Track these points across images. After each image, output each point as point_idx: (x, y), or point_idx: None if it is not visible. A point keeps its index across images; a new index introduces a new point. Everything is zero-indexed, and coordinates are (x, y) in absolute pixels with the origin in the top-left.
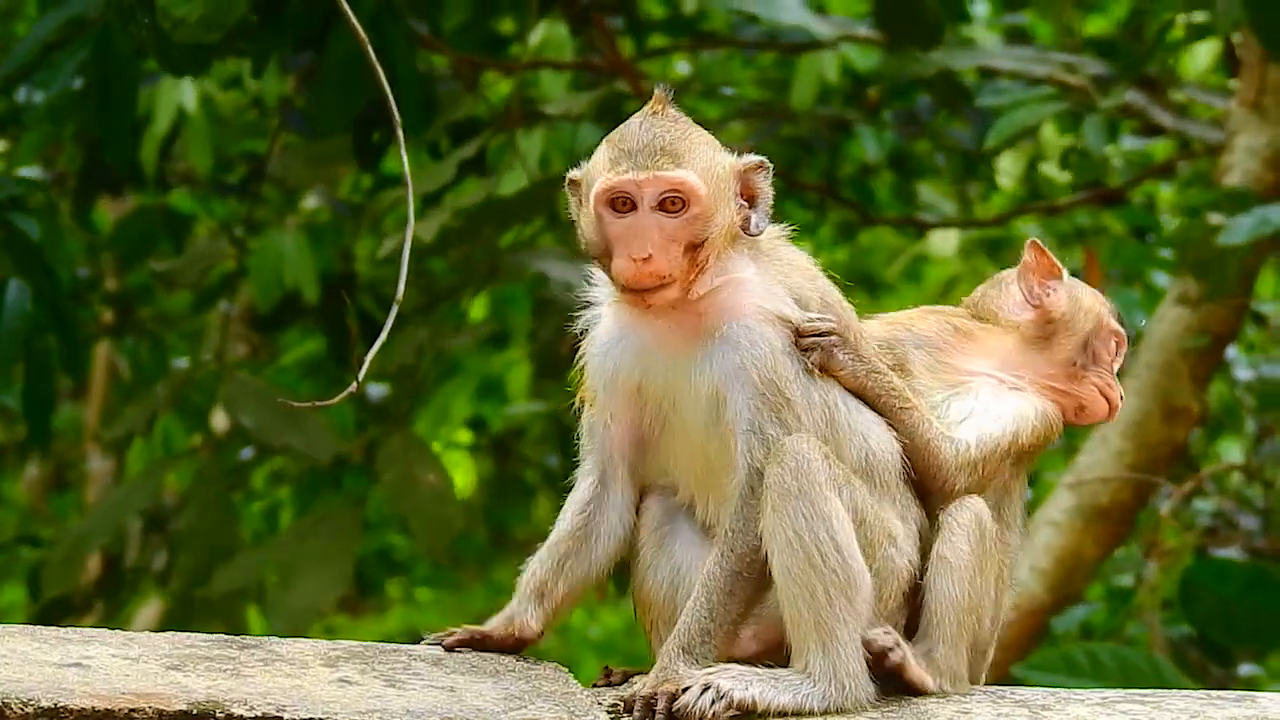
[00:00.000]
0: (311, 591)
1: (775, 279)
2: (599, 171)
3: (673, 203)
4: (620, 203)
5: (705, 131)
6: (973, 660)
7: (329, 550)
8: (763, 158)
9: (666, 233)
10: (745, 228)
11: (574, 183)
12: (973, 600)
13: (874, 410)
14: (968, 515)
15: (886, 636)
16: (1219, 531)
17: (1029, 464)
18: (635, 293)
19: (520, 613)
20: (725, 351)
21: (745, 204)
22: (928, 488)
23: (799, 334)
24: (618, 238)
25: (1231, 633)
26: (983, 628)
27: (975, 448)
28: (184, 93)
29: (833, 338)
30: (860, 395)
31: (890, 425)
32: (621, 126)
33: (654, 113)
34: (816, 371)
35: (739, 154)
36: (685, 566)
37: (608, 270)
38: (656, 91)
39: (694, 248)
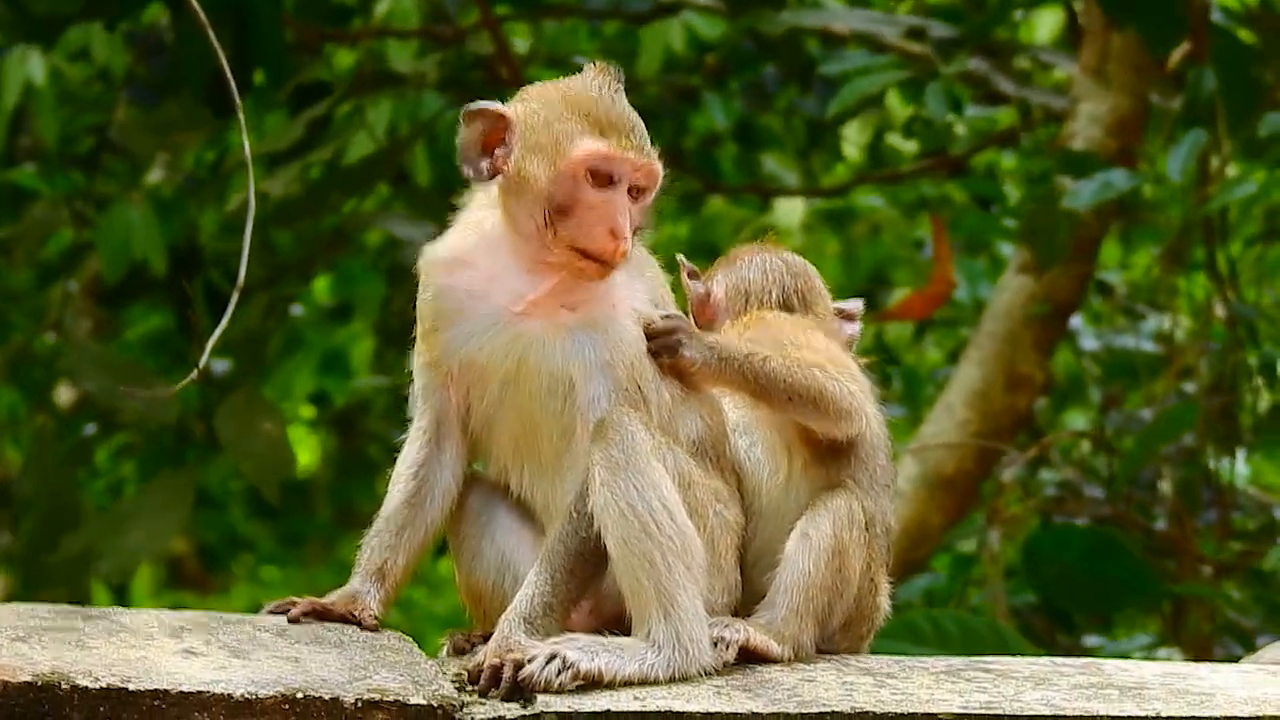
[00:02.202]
0: (141, 538)
1: (636, 275)
2: (581, 132)
3: (640, 188)
4: (601, 174)
5: None
6: (819, 642)
7: (162, 504)
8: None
9: (631, 214)
10: None
11: (482, 114)
12: (826, 579)
13: (741, 388)
14: (840, 502)
15: (725, 629)
16: (1064, 501)
17: None
18: (601, 265)
19: (362, 592)
20: (592, 342)
21: None
22: (817, 431)
23: (647, 335)
24: (592, 208)
25: (1074, 599)
26: (833, 611)
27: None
28: (32, 66)
29: (678, 335)
30: (719, 382)
31: (759, 388)
32: (586, 92)
33: (615, 89)
34: (667, 371)
35: None
36: (510, 552)
37: (551, 227)
38: (607, 68)
39: (635, 234)
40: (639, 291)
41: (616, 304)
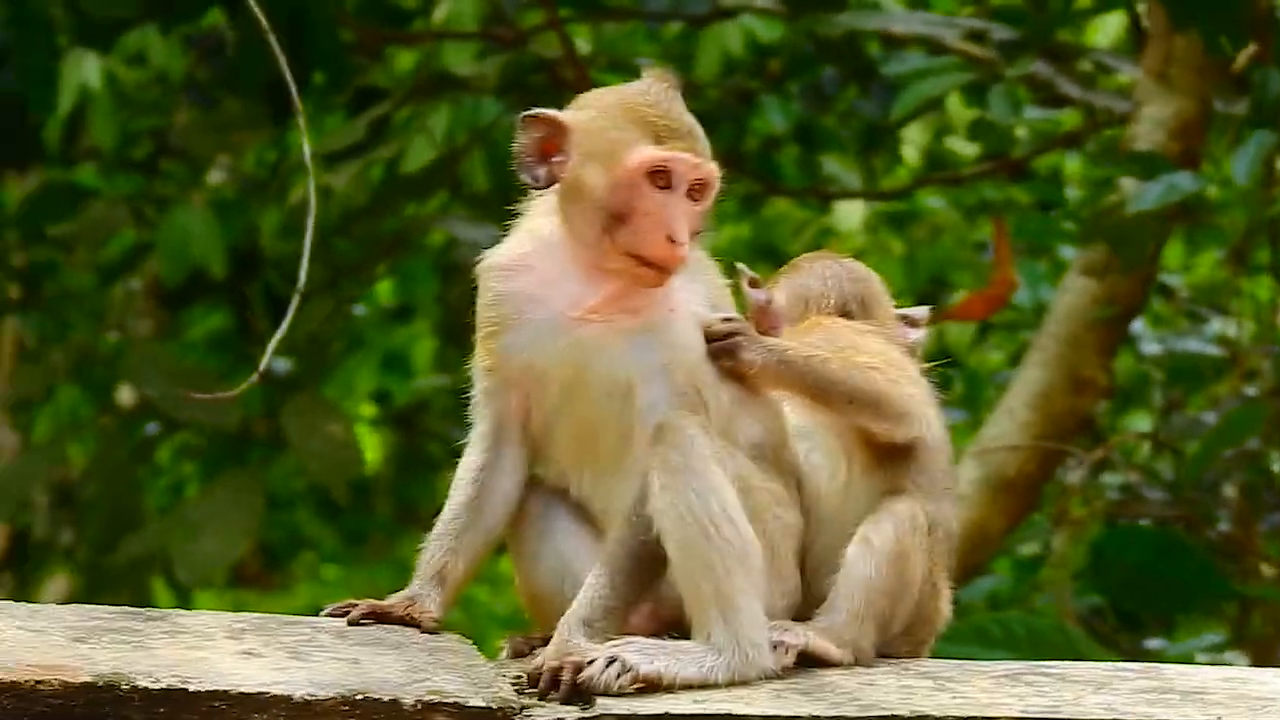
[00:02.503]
0: (216, 544)
1: (694, 278)
2: (637, 138)
3: (698, 192)
4: (660, 178)
5: None
6: (879, 647)
7: (232, 506)
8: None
9: (689, 219)
10: None
11: (539, 121)
12: (887, 583)
13: (800, 391)
14: (903, 506)
15: (785, 633)
16: (1126, 504)
17: None
18: (659, 271)
19: (421, 595)
20: (651, 346)
21: None
22: (878, 433)
23: (707, 338)
24: (650, 213)
25: (1142, 600)
26: (894, 615)
27: (915, 385)
28: (88, 70)
29: (737, 338)
30: (778, 384)
31: (819, 390)
32: (643, 98)
33: (672, 95)
34: (727, 374)
35: None
36: (569, 556)
37: (609, 234)
38: (664, 74)
39: (693, 238)
40: (698, 294)
41: (675, 307)
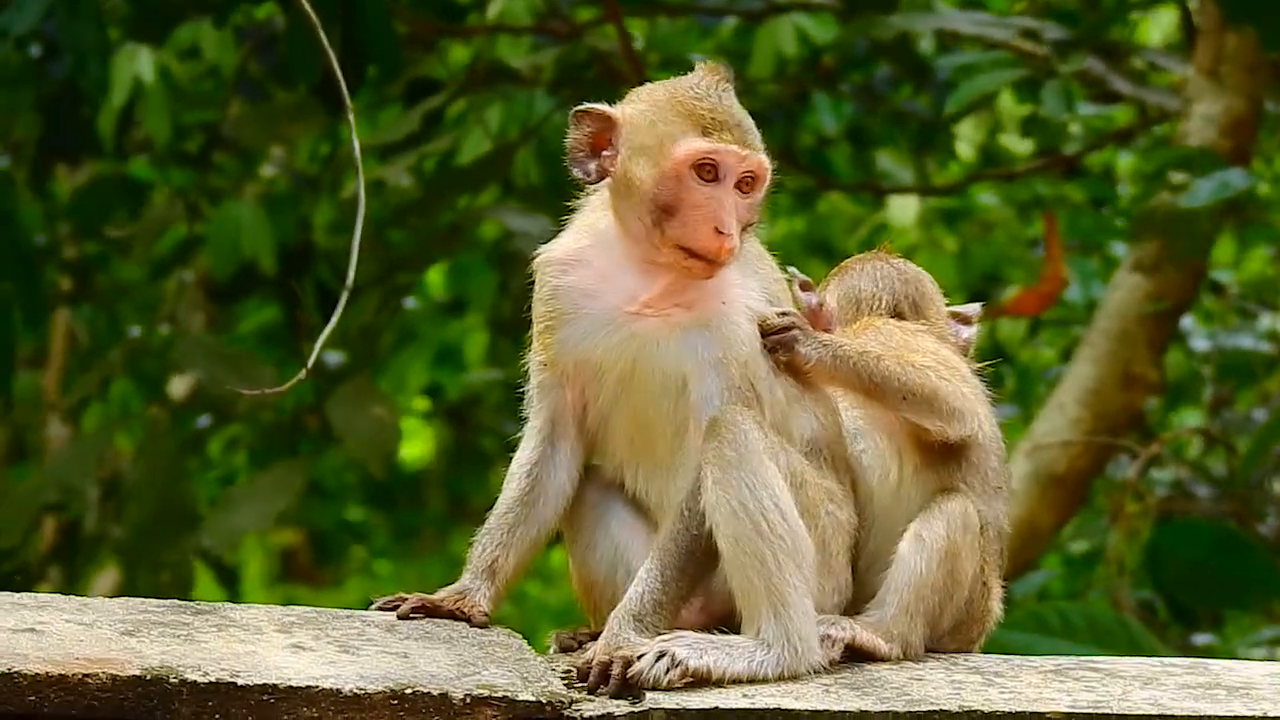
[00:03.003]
0: (248, 516)
1: (749, 272)
2: (684, 131)
3: (749, 184)
4: (707, 170)
5: None
6: (928, 643)
7: (273, 487)
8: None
9: (739, 211)
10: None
11: (590, 115)
12: (937, 580)
13: (855, 387)
14: (955, 505)
15: (832, 627)
16: (1176, 500)
17: None
18: (708, 263)
19: (472, 589)
20: (705, 340)
21: None
22: (931, 431)
23: (763, 332)
24: (698, 206)
25: (1199, 594)
26: (944, 613)
27: (968, 383)
28: (141, 63)
29: (793, 332)
30: (833, 380)
31: (874, 386)
32: (692, 91)
33: (723, 88)
34: (783, 368)
35: None
36: (624, 546)
37: (659, 228)
38: (717, 67)
39: (745, 230)
40: (753, 289)
41: (729, 301)
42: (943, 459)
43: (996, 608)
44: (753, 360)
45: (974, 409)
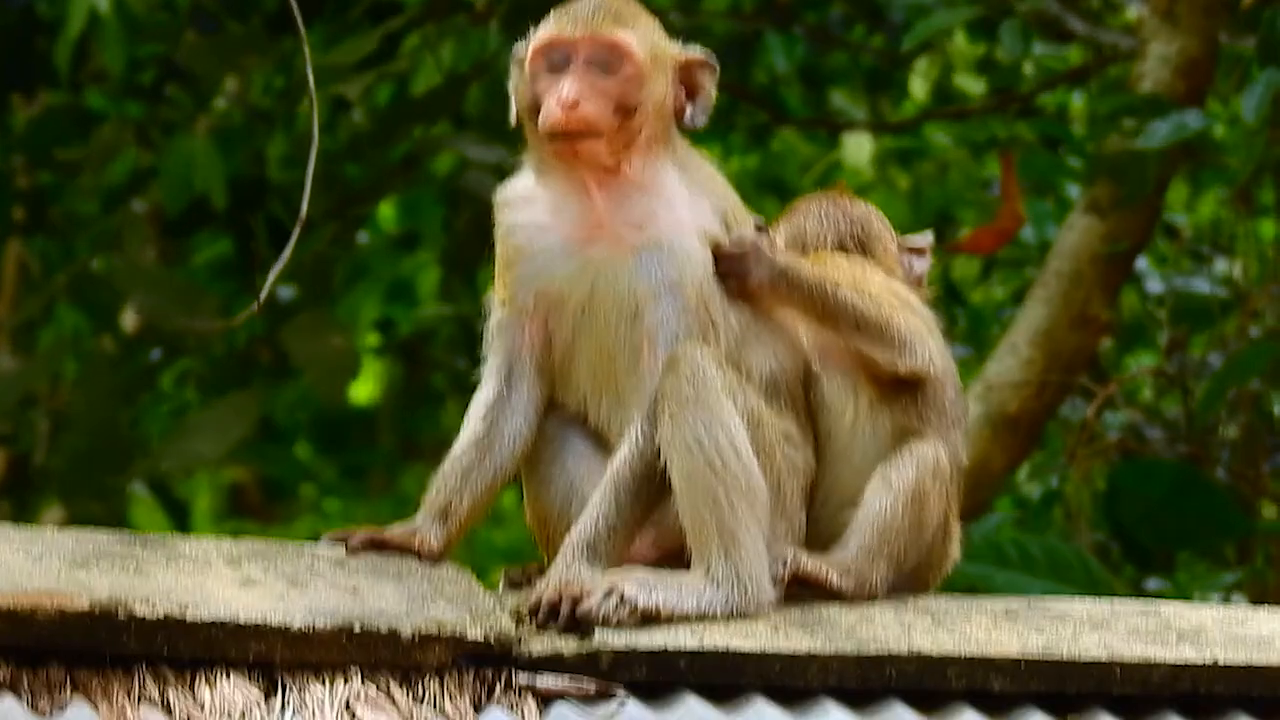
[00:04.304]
0: (205, 443)
1: (701, 193)
2: (535, 35)
3: (605, 63)
4: (556, 57)
5: (654, 18)
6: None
7: (228, 415)
8: (712, 58)
9: (598, 87)
10: (680, 117)
11: (518, 60)
12: (903, 523)
13: (809, 311)
14: (927, 449)
15: (779, 565)
16: (1127, 443)
17: None
18: (562, 140)
19: (424, 529)
20: (659, 263)
21: (683, 94)
22: (881, 364)
23: (716, 258)
24: (547, 89)
25: (1158, 534)
26: (907, 556)
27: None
28: None
29: (746, 258)
30: (788, 303)
31: (827, 312)
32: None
33: None
34: (735, 294)
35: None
36: (579, 480)
37: (535, 128)
38: None
39: (625, 112)
40: (704, 209)
41: (681, 221)
42: (898, 394)
43: (955, 551)
44: (706, 283)
45: (924, 341)
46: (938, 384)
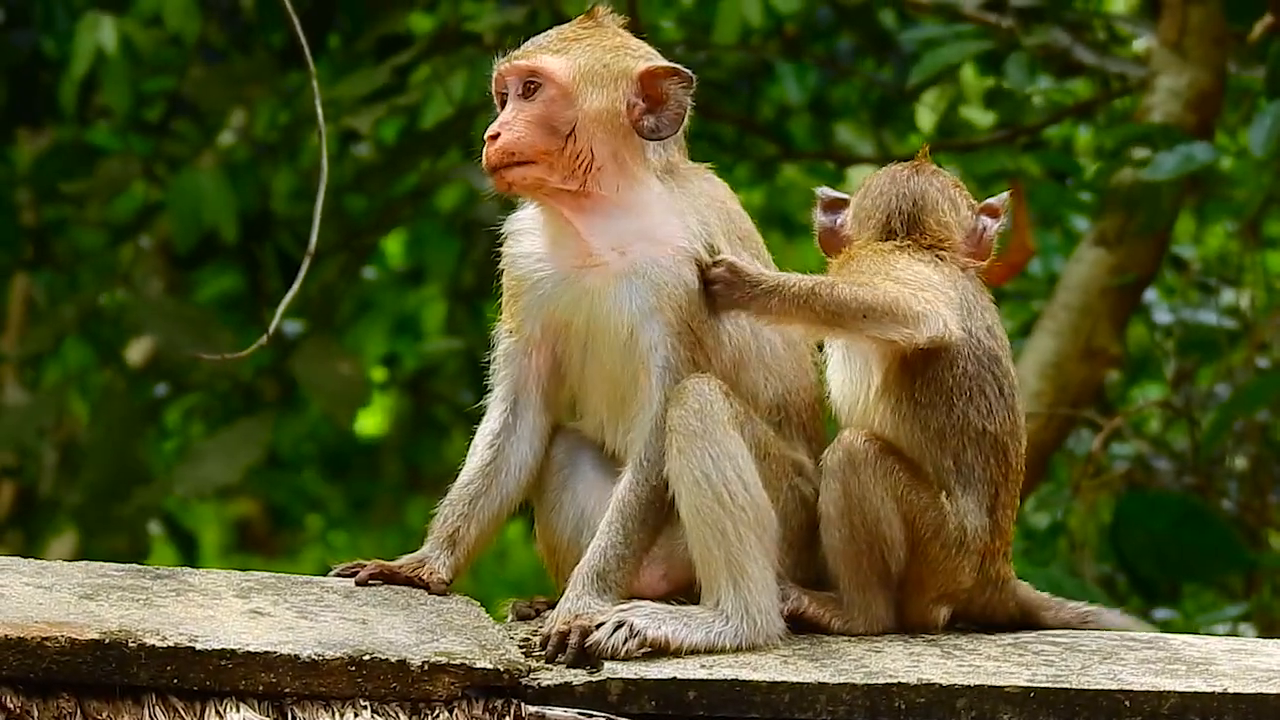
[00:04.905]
0: (216, 468)
1: (689, 211)
2: None
3: (530, 87)
4: (501, 93)
5: (632, 39)
6: (896, 597)
7: (237, 442)
8: (680, 67)
9: (522, 114)
10: (640, 129)
11: None
12: (849, 541)
13: (812, 321)
14: (839, 453)
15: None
16: (1135, 474)
17: None
18: (491, 174)
19: (431, 558)
20: (641, 288)
21: (644, 106)
22: (899, 342)
23: (703, 280)
24: None
25: (1162, 566)
26: (887, 563)
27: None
28: (104, 32)
29: (725, 277)
30: (788, 320)
31: (830, 314)
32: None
33: (582, 22)
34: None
35: None
36: (589, 508)
37: None
38: (596, 7)
39: (557, 134)
40: (688, 231)
41: (660, 244)
42: (909, 374)
43: (968, 572)
44: (689, 303)
45: (936, 309)
46: (954, 354)
